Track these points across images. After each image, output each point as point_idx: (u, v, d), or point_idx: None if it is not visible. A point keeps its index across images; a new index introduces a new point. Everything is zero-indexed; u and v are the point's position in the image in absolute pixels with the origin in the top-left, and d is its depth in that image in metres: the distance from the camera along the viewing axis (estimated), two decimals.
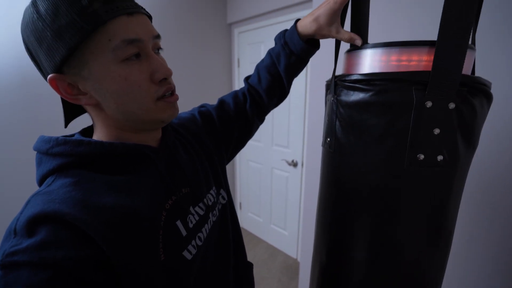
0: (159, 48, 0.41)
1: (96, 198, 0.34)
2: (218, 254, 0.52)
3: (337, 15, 0.51)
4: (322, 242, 0.56)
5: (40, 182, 0.38)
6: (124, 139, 0.42)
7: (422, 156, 0.38)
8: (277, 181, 2.15)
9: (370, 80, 0.40)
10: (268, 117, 2.09)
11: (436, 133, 0.37)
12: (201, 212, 0.48)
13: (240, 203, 2.57)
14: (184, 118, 0.61)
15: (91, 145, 0.37)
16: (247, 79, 0.68)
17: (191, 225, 0.45)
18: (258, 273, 1.97)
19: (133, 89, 0.36)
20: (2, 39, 1.14)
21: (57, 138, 0.37)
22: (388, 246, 0.44)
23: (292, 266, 2.05)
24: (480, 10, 0.43)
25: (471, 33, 0.45)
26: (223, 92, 2.29)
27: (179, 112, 0.60)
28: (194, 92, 2.02)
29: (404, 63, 0.39)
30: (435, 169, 0.39)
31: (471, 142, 0.39)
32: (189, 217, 0.45)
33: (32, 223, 0.30)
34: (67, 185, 0.34)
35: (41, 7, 0.32)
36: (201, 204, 0.49)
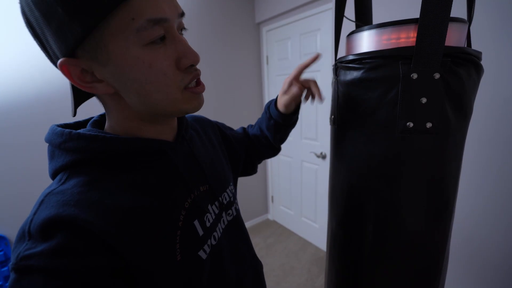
0: (183, 28, 0.37)
1: (112, 199, 0.33)
2: (234, 253, 0.51)
3: (288, 88, 0.61)
4: (332, 211, 0.61)
5: (53, 176, 0.36)
6: (140, 130, 0.39)
7: (411, 124, 0.42)
8: (307, 174, 2.18)
9: (362, 59, 0.45)
10: None
11: (423, 102, 0.41)
12: (216, 211, 0.47)
13: (272, 197, 2.65)
14: (206, 119, 0.63)
15: (106, 141, 0.34)
16: (249, 127, 0.75)
17: (208, 224, 0.44)
18: (288, 263, 2.03)
19: (158, 78, 0.32)
20: None
21: (70, 132, 0.34)
22: (389, 213, 0.48)
23: (322, 258, 2.07)
24: None
25: (471, 7, 0.47)
26: (253, 89, 2.40)
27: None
28: (226, 90, 2.16)
29: (393, 41, 0.43)
30: (425, 136, 0.42)
31: (461, 109, 0.42)
32: (207, 216, 0.44)
33: (46, 227, 0.28)
34: (81, 184, 0.32)
35: None
36: (216, 203, 0.48)
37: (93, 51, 0.30)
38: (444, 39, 0.38)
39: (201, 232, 0.42)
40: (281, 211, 2.58)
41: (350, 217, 0.54)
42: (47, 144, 0.37)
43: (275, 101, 0.65)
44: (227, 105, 2.19)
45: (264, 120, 0.66)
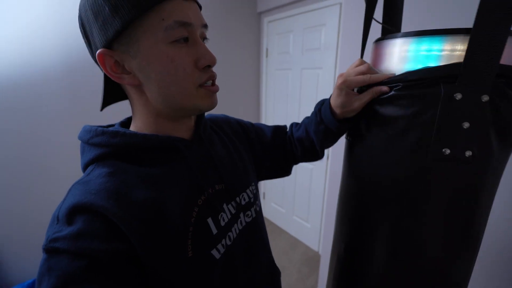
0: (205, 37, 0.42)
1: (129, 191, 0.35)
2: (249, 256, 0.50)
3: (350, 93, 0.46)
4: (341, 235, 0.56)
5: (84, 169, 0.40)
6: (159, 127, 0.42)
7: (448, 151, 0.36)
8: (302, 173, 2.14)
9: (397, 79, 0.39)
10: (295, 108, 2.07)
11: (465, 127, 0.35)
12: (233, 211, 0.47)
13: (264, 193, 2.61)
14: (232, 118, 0.62)
15: (125, 137, 0.38)
16: (293, 126, 0.65)
17: (222, 223, 0.44)
18: (278, 263, 2.01)
19: (177, 71, 0.37)
20: (51, 26, 1.26)
21: (96, 129, 0.39)
22: (408, 243, 0.43)
23: (313, 258, 2.06)
24: None
25: None
26: (250, 82, 2.31)
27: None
28: (220, 81, 2.05)
29: (435, 53, 0.37)
30: (462, 165, 0.37)
31: (508, 138, 0.37)
32: (221, 215, 0.44)
33: (71, 212, 0.32)
34: (103, 175, 0.36)
35: None
36: (233, 203, 0.48)
37: (126, 44, 0.35)
38: (501, 55, 0.32)
39: (214, 231, 0.42)
40: (273, 208, 2.55)
41: (362, 244, 0.50)
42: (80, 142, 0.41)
43: (329, 103, 0.52)
44: (220, 97, 2.06)
45: (312, 122, 0.56)
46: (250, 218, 0.51)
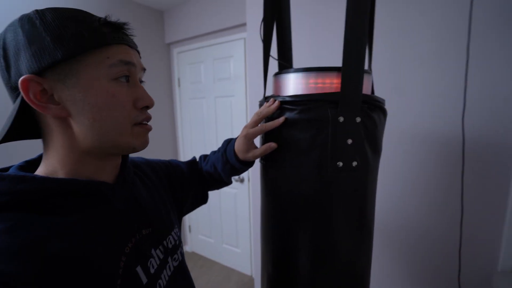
0: (141, 80, 0.44)
1: (37, 246, 0.30)
2: None
3: (250, 144, 0.56)
4: (267, 254, 0.58)
5: None
6: (80, 166, 0.38)
7: (341, 164, 0.44)
8: (226, 199, 2.13)
9: (293, 101, 0.45)
10: (212, 135, 2.10)
11: (349, 143, 0.44)
12: (161, 256, 0.45)
13: (190, 226, 2.45)
14: (151, 160, 0.62)
15: (34, 182, 0.32)
16: (202, 159, 0.71)
17: (152, 271, 0.41)
18: None
19: (116, 107, 0.37)
20: None
21: None
22: (325, 247, 0.49)
23: (247, 283, 2.03)
24: (371, 42, 0.54)
25: (370, 59, 0.55)
26: (164, 111, 2.22)
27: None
28: None
29: (320, 85, 0.46)
30: (351, 173, 0.45)
31: (376, 148, 0.47)
32: (151, 261, 0.42)
33: None
34: (1, 232, 0.29)
35: (48, 16, 0.33)
36: (161, 247, 0.46)
37: (63, 74, 0.34)
38: (362, 87, 0.42)
39: (144, 280, 0.39)
40: (201, 240, 2.41)
41: (287, 258, 0.53)
42: None
43: (233, 146, 0.59)
44: None
45: (219, 161, 0.62)
46: (177, 262, 0.50)
